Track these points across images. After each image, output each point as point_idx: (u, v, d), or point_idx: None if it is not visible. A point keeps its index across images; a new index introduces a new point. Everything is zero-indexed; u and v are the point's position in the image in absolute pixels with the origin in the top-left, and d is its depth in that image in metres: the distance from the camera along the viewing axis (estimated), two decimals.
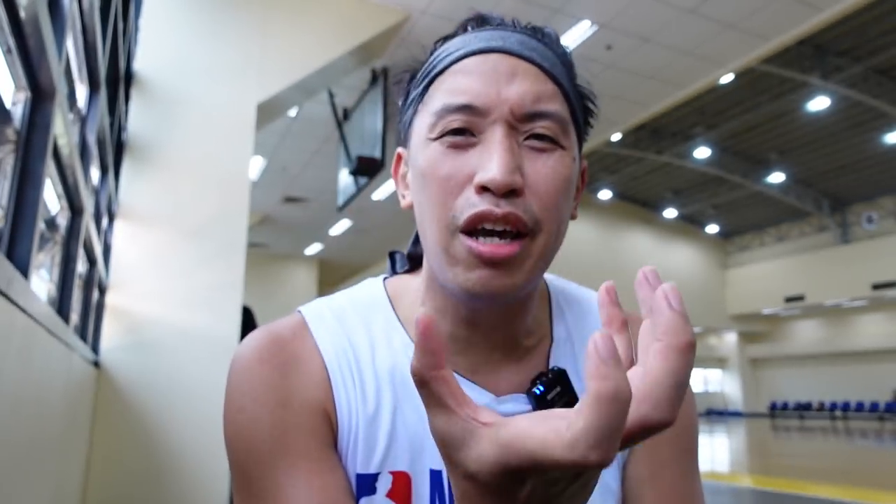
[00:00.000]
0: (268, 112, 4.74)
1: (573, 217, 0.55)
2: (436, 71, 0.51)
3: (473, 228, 0.46)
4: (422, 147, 0.50)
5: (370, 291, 0.59)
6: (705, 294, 21.65)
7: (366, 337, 0.54)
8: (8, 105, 1.39)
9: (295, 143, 8.78)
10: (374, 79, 6.20)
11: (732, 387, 24.01)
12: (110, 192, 3.48)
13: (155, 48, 4.10)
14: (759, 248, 22.41)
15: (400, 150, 0.58)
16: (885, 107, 13.00)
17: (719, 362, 24.45)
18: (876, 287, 17.92)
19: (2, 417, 1.15)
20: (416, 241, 0.61)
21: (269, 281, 14.79)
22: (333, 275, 17.26)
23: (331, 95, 6.74)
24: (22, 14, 1.24)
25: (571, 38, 6.13)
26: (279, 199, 11.26)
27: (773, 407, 22.89)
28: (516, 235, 0.46)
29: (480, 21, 0.54)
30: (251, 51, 4.37)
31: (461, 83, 0.49)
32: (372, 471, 0.50)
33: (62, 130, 1.69)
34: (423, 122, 0.51)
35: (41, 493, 1.71)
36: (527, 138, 0.48)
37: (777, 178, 17.41)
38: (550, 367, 0.55)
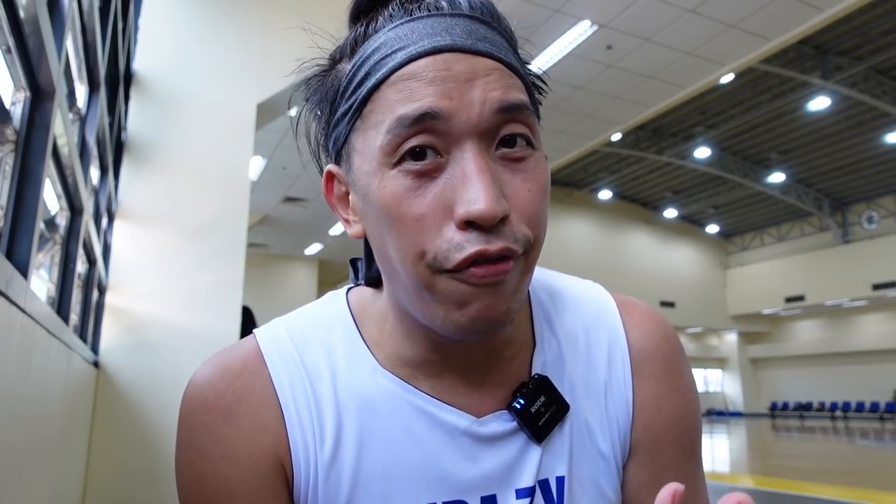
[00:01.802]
0: (267, 112, 4.74)
1: None
2: (375, 79, 0.42)
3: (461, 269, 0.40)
4: (375, 175, 0.42)
5: (333, 310, 0.52)
6: (705, 294, 21.64)
7: (326, 363, 0.48)
8: (7, 105, 1.38)
9: (295, 142, 8.78)
10: None
11: (733, 387, 24.00)
12: (110, 191, 3.48)
13: (154, 48, 4.10)
14: (760, 248, 22.40)
15: (331, 167, 0.48)
16: (885, 107, 12.99)
17: (719, 362, 24.45)
18: (876, 287, 17.90)
19: (1, 417, 1.14)
20: (370, 263, 0.53)
21: (269, 281, 14.79)
22: (333, 275, 17.26)
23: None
24: (21, 14, 1.24)
25: (571, 38, 6.13)
26: (279, 199, 11.26)
27: (774, 407, 22.88)
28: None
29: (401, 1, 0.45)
30: (251, 51, 4.37)
31: (413, 90, 0.41)
32: None
33: (62, 130, 1.69)
34: (370, 143, 0.42)
35: (40, 493, 1.70)
36: (498, 146, 0.42)
37: (777, 178, 17.40)
38: (533, 374, 0.50)
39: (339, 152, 0.47)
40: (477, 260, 0.40)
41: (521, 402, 0.48)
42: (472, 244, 0.39)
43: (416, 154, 0.41)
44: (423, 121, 0.40)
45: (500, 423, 0.48)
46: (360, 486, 0.46)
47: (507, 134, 0.42)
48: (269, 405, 0.46)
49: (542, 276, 0.57)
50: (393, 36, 0.43)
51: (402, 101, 0.41)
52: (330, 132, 0.48)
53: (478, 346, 0.48)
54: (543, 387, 0.49)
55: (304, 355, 0.49)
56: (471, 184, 0.39)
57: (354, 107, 0.44)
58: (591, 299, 0.56)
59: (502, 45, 0.44)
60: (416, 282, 0.42)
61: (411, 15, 0.44)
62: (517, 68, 0.44)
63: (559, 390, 0.50)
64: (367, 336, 0.50)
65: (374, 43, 0.43)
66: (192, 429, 0.46)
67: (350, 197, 0.48)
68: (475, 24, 0.43)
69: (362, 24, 0.46)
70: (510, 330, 0.50)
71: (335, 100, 0.46)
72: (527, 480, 0.48)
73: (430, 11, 0.43)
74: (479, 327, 0.42)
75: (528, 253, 0.42)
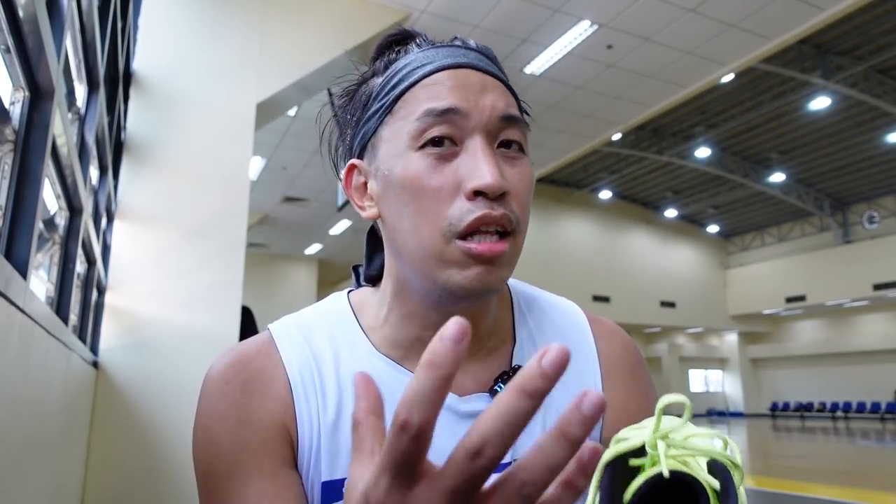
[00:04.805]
0: (267, 112, 4.74)
1: None
2: (407, 83, 0.53)
3: (471, 232, 0.49)
4: (400, 157, 0.52)
5: (335, 305, 0.61)
6: (706, 294, 21.62)
7: (329, 348, 0.56)
8: (6, 104, 1.38)
9: (295, 142, 8.78)
10: None
11: (733, 387, 23.98)
12: (109, 191, 3.48)
13: (154, 47, 4.10)
14: (760, 248, 22.38)
15: (354, 161, 0.58)
16: (886, 106, 12.98)
17: (720, 363, 24.43)
18: (877, 287, 17.88)
19: (0, 418, 1.14)
20: (370, 261, 0.63)
21: (269, 281, 14.78)
22: (333, 275, 17.26)
23: (330, 95, 6.73)
24: (20, 13, 1.24)
25: (571, 38, 6.13)
26: (279, 199, 11.26)
27: (774, 407, 22.86)
28: (503, 234, 0.50)
29: (425, 38, 0.58)
30: (251, 50, 4.37)
31: (440, 91, 0.51)
32: (338, 477, 0.52)
33: (61, 130, 1.69)
34: (398, 131, 0.52)
35: (40, 493, 1.70)
36: (499, 146, 0.52)
37: (778, 177, 17.39)
38: (513, 366, 0.58)
39: (364, 146, 0.57)
40: (481, 227, 0.48)
41: (502, 386, 0.55)
42: (479, 208, 0.48)
43: (436, 142, 0.50)
44: (446, 114, 0.50)
45: (479, 402, 0.55)
46: None
47: (506, 138, 0.52)
48: (280, 380, 0.54)
49: (521, 286, 0.66)
50: (421, 56, 0.55)
51: (430, 98, 0.51)
52: (359, 130, 0.57)
53: None
54: None
55: (311, 341, 0.56)
56: (480, 163, 0.49)
57: (387, 104, 0.54)
58: (566, 312, 0.65)
59: (502, 74, 0.56)
60: (429, 247, 0.50)
61: (434, 45, 0.56)
62: (514, 92, 0.56)
63: None
64: (365, 325, 0.59)
65: (405, 60, 0.55)
66: (210, 398, 0.53)
67: (368, 184, 0.57)
68: (484, 57, 0.56)
69: (393, 52, 0.58)
70: (493, 322, 0.59)
71: (367, 103, 0.56)
72: None
73: (449, 44, 0.56)
74: (477, 288, 0.50)
75: (518, 234, 0.51)
